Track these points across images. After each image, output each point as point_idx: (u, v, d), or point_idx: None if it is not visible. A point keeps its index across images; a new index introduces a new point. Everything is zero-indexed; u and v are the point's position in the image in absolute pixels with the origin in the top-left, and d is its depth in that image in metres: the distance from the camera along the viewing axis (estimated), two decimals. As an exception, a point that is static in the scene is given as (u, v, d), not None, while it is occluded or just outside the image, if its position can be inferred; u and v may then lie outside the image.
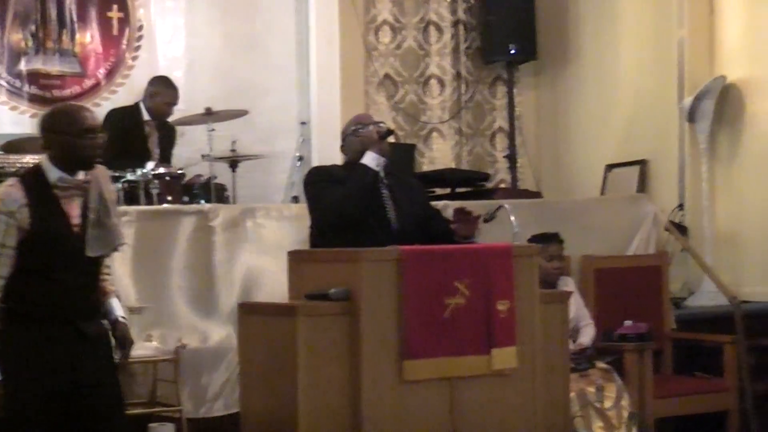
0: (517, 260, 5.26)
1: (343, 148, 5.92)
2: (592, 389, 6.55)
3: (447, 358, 5.05)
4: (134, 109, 8.45)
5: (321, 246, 5.60)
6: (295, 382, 4.83)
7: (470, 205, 6.93)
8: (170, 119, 8.53)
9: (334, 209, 5.54)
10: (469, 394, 5.11)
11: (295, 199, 9.14)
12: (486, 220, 5.69)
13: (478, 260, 5.16)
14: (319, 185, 5.68)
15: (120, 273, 6.43)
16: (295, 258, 5.33)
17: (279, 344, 4.96)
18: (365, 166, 5.60)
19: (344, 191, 5.55)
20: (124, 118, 8.36)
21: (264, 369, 5.05)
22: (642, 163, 9.06)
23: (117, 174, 7.23)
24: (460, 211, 5.62)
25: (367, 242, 5.34)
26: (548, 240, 6.94)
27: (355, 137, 5.77)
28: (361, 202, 5.55)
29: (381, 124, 5.90)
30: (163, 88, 8.45)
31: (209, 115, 8.07)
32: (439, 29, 9.89)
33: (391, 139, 5.85)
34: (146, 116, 8.36)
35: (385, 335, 4.95)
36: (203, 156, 8.03)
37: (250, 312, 5.23)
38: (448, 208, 7.02)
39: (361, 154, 5.67)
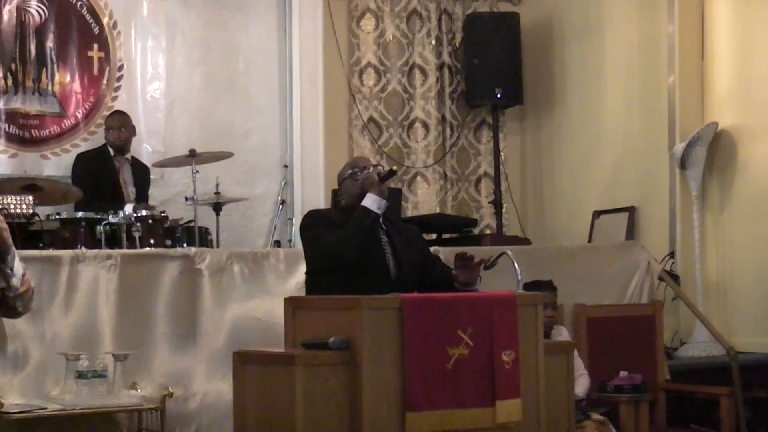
0: (521, 309, 5.13)
1: (340, 193, 5.76)
2: (588, 442, 6.42)
3: (450, 411, 4.93)
4: (102, 149, 8.41)
5: (317, 293, 5.44)
6: (293, 435, 4.67)
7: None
8: (153, 162, 8.44)
9: (333, 252, 5.38)
10: (472, 448, 4.96)
11: (278, 244, 9.02)
12: (486, 267, 5.53)
13: (481, 309, 5.04)
14: (316, 228, 5.52)
15: (103, 317, 6.28)
16: (292, 305, 5.18)
17: (276, 395, 4.84)
18: (365, 208, 5.45)
19: (343, 234, 5.39)
20: (92, 159, 8.36)
21: (260, 420, 4.89)
22: (630, 210, 8.97)
23: (98, 216, 7.09)
24: (462, 257, 5.47)
25: (365, 289, 5.20)
26: (541, 288, 6.79)
27: (353, 180, 5.63)
28: (360, 246, 5.40)
29: (380, 167, 5.76)
30: (109, 118, 8.45)
31: (193, 157, 7.88)
32: (424, 72, 9.78)
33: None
34: (113, 153, 8.35)
35: (386, 386, 4.83)
36: (187, 198, 7.87)
37: (245, 361, 5.05)
38: (438, 254, 6.93)
39: (359, 198, 5.52)
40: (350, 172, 5.66)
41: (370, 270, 5.42)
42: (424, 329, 4.86)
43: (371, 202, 5.45)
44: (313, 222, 5.58)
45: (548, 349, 5.27)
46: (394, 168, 5.86)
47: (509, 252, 5.49)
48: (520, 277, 5.46)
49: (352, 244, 5.36)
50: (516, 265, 5.43)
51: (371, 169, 5.64)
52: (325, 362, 4.78)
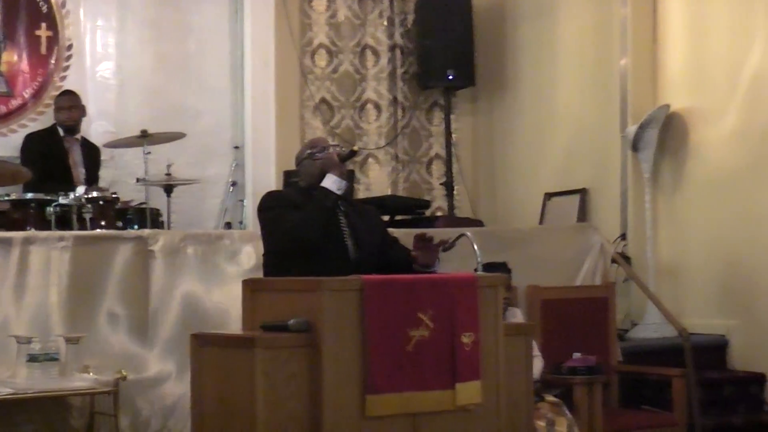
0: (481, 291, 5.09)
1: (298, 174, 5.70)
2: (542, 423, 6.38)
3: (411, 393, 4.87)
4: (51, 129, 8.33)
5: (275, 275, 5.38)
6: (252, 418, 4.63)
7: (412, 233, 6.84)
8: (103, 143, 8.28)
9: (293, 234, 5.32)
10: (432, 430, 4.91)
11: (228, 225, 8.94)
12: (445, 249, 5.48)
13: (442, 291, 4.99)
14: (276, 210, 5.45)
15: (55, 300, 6.21)
16: (251, 287, 5.11)
17: (235, 377, 4.75)
18: (326, 190, 5.39)
19: (303, 215, 5.33)
20: (41, 139, 8.28)
21: (218, 404, 4.82)
22: (582, 192, 8.98)
23: (48, 197, 6.99)
24: (421, 238, 5.44)
25: (324, 271, 5.13)
26: (496, 269, 6.72)
27: (312, 161, 5.56)
28: (320, 227, 5.34)
29: (339, 146, 5.71)
30: (58, 98, 8.36)
31: (144, 138, 7.79)
32: (376, 53, 9.74)
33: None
34: (62, 133, 8.26)
35: (347, 368, 4.76)
36: (138, 179, 7.78)
37: (204, 343, 4.98)
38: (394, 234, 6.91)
39: (319, 179, 5.46)
40: (309, 152, 5.60)
41: (329, 252, 5.36)
42: (384, 311, 4.81)
43: (331, 182, 5.39)
44: (272, 203, 5.50)
45: (508, 330, 5.24)
46: (356, 148, 5.79)
47: (469, 233, 5.46)
48: (480, 259, 5.43)
49: (313, 226, 5.31)
50: (476, 247, 5.40)
51: (330, 149, 5.58)
52: (285, 345, 4.70)
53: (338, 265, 5.27)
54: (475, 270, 5.82)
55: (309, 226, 5.30)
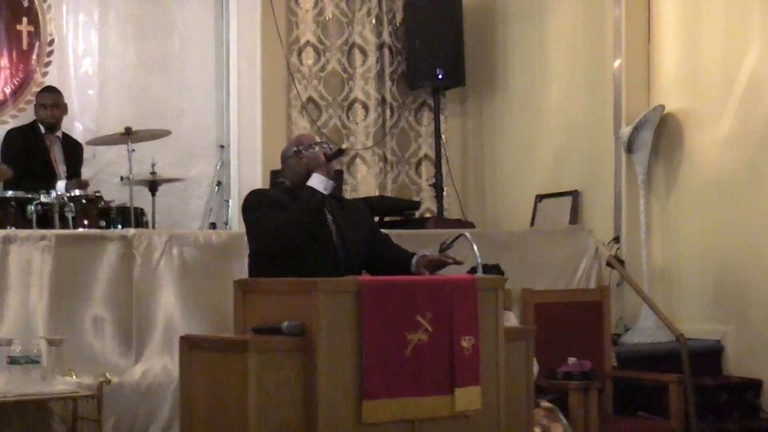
0: (481, 294, 4.95)
1: (284, 172, 5.55)
2: (538, 430, 6.26)
3: (408, 399, 4.76)
4: (32, 126, 8.18)
5: (261, 275, 5.23)
6: (244, 425, 4.51)
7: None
8: (85, 139, 8.25)
9: (278, 234, 5.17)
10: (431, 437, 4.79)
11: (213, 226, 8.80)
12: (442, 250, 5.33)
13: (441, 293, 4.86)
14: (261, 209, 5.29)
15: (37, 301, 6.03)
16: (242, 288, 4.97)
17: (226, 382, 4.62)
18: (312, 189, 5.24)
19: (289, 215, 5.19)
20: (22, 136, 8.13)
21: (208, 410, 4.69)
22: (574, 194, 8.85)
23: (29, 195, 6.83)
24: (438, 265, 5.25)
25: (311, 271, 5.04)
26: (489, 272, 6.61)
27: (298, 159, 5.42)
28: (307, 227, 5.21)
29: (326, 144, 5.55)
30: (40, 94, 8.20)
31: (128, 135, 7.63)
32: (364, 52, 9.59)
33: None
34: (43, 130, 8.12)
35: (342, 373, 4.64)
36: (123, 178, 7.62)
37: (193, 346, 4.81)
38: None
39: (305, 177, 5.33)
40: (295, 149, 5.46)
41: (317, 252, 5.24)
42: (382, 314, 4.68)
43: (317, 182, 5.26)
44: (257, 202, 5.35)
45: (508, 335, 5.09)
46: (343, 147, 5.65)
47: (467, 234, 5.30)
48: (479, 260, 5.29)
49: (299, 226, 5.17)
50: (475, 248, 5.26)
51: (317, 147, 5.41)
52: (279, 348, 4.57)
53: (325, 265, 5.18)
54: (473, 269, 5.68)
55: (294, 227, 5.17)
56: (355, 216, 5.55)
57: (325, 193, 5.27)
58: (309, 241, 5.22)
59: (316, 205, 5.24)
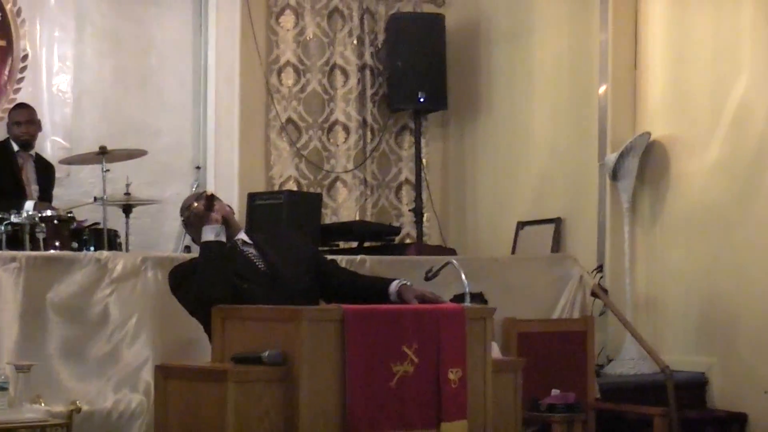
0: (469, 323, 4.77)
1: (193, 240, 5.53)
2: (521, 462, 6.09)
3: (393, 433, 4.53)
4: (4, 144, 8.01)
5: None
6: (222, 458, 4.27)
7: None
8: (58, 159, 8.00)
9: (201, 300, 5.07)
10: (415, 473, 4.61)
11: (188, 249, 8.55)
12: (428, 278, 5.16)
13: (428, 323, 4.70)
14: (181, 285, 5.25)
15: (4, 325, 5.80)
16: (222, 314, 4.77)
17: (204, 413, 4.46)
18: (205, 243, 5.17)
19: (197, 279, 5.10)
20: None
21: (184, 442, 4.46)
22: (557, 222, 8.71)
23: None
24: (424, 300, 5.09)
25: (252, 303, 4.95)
26: (471, 301, 6.44)
27: (189, 225, 5.42)
28: (220, 278, 5.07)
29: (200, 193, 5.55)
30: (13, 111, 8.06)
31: (103, 155, 7.44)
32: (345, 73, 9.45)
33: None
34: (16, 148, 7.96)
35: (324, 405, 4.48)
36: (96, 199, 7.44)
37: (168, 375, 4.63)
38: (366, 262, 6.59)
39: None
40: (183, 219, 5.51)
41: (252, 293, 5.09)
42: (366, 344, 4.52)
43: (208, 233, 5.18)
44: (177, 280, 5.30)
45: (497, 366, 4.92)
46: (208, 192, 5.57)
47: (455, 262, 5.13)
48: (468, 289, 5.11)
49: (212, 281, 5.06)
50: (463, 277, 5.08)
51: (195, 203, 5.37)
52: (259, 378, 4.42)
53: (264, 295, 5.03)
54: (458, 297, 5.52)
55: (209, 287, 5.05)
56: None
57: (219, 239, 5.17)
58: (236, 283, 5.11)
59: (215, 255, 5.13)
